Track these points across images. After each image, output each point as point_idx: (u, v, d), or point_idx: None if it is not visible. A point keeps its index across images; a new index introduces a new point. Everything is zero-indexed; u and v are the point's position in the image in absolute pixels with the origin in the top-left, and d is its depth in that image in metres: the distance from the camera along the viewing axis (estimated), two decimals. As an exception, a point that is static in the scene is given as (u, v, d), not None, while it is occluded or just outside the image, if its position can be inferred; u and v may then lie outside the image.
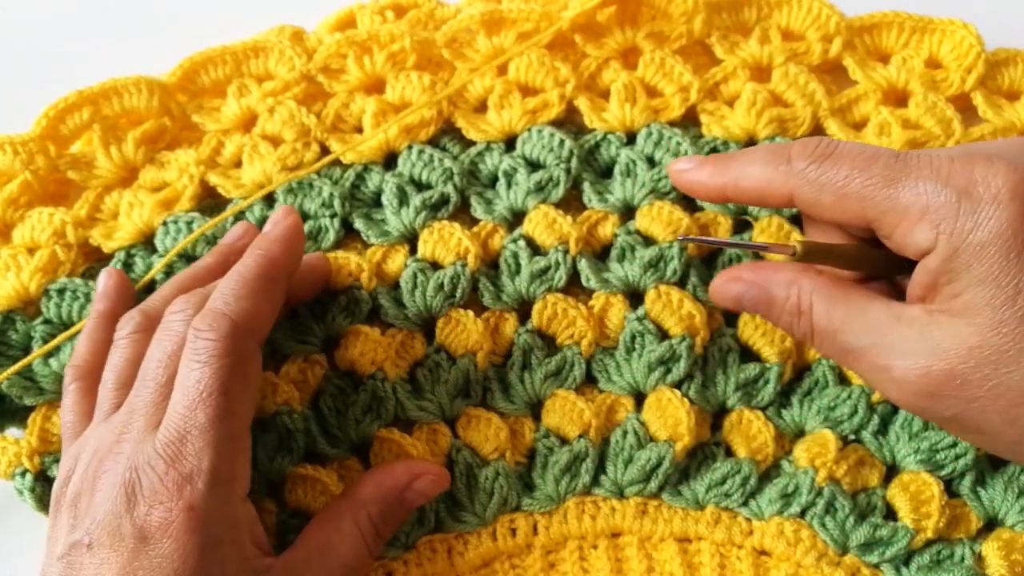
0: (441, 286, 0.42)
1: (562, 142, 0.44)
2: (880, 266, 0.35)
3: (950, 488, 0.39)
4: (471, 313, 0.42)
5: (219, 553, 0.32)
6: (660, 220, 0.43)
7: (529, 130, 0.45)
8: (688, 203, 0.45)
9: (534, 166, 0.45)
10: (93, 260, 0.45)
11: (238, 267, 0.37)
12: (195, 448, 0.33)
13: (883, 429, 0.40)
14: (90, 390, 0.38)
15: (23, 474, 0.41)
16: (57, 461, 0.41)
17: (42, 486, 0.41)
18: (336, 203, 0.44)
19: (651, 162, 0.45)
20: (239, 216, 0.45)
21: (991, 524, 0.39)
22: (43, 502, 0.41)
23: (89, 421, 0.37)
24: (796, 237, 0.40)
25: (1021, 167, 0.30)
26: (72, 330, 0.42)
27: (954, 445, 0.39)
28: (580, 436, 0.40)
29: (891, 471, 0.40)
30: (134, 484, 0.32)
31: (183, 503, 0.32)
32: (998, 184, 0.30)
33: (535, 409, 0.42)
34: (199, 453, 0.32)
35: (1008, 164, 0.30)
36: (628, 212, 0.44)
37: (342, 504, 0.37)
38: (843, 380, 0.41)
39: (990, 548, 0.38)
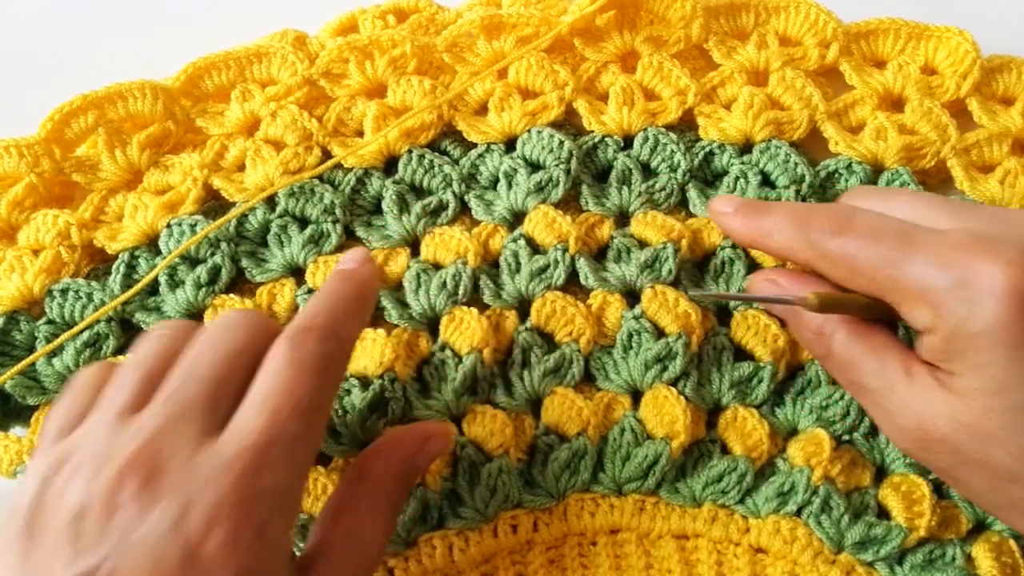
0: (444, 284, 0.43)
1: (561, 143, 0.45)
2: (895, 317, 0.36)
3: (940, 491, 0.40)
4: (474, 310, 0.42)
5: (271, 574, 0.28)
6: (654, 226, 0.44)
7: (529, 131, 0.46)
8: (681, 208, 0.45)
9: (534, 167, 0.45)
10: (98, 261, 0.46)
11: (335, 287, 0.35)
12: (276, 461, 0.29)
13: (873, 431, 0.41)
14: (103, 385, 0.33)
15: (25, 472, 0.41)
16: None
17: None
18: (338, 210, 0.45)
19: (647, 169, 0.46)
20: (242, 219, 0.45)
21: (979, 527, 0.40)
22: None
23: (79, 422, 0.31)
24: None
25: (1021, 256, 0.31)
26: (75, 329, 0.43)
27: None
28: (579, 434, 0.40)
29: (880, 472, 0.40)
30: (186, 502, 0.27)
31: (253, 523, 0.27)
32: (996, 280, 0.30)
33: (535, 407, 0.42)
34: (279, 467, 0.29)
35: (1011, 261, 0.31)
36: (623, 217, 0.45)
37: (356, 489, 0.34)
38: (835, 381, 0.41)
39: (980, 550, 0.38)
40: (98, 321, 0.44)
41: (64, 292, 0.44)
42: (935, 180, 0.46)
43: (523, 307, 0.44)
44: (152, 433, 0.29)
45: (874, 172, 0.45)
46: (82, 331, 0.43)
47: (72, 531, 0.27)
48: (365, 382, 0.41)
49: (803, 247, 0.36)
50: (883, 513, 0.39)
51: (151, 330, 0.35)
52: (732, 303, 0.42)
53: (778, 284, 0.38)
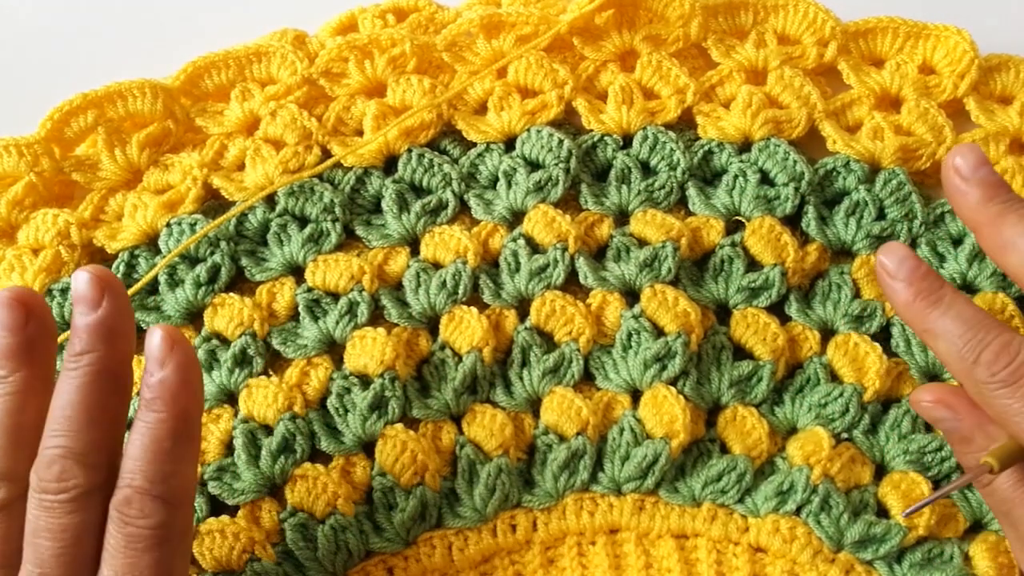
0: (444, 283, 0.43)
1: (561, 142, 0.45)
2: None
3: (938, 489, 0.40)
4: (474, 310, 0.43)
5: None
6: (653, 224, 0.44)
7: (528, 130, 0.46)
8: (681, 207, 0.45)
9: (533, 166, 0.46)
10: (98, 260, 0.46)
11: (147, 428, 0.32)
12: None
13: (873, 429, 0.41)
14: None
15: None
16: None
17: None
18: (337, 209, 0.45)
19: (646, 168, 0.46)
20: (241, 218, 0.45)
21: (977, 526, 0.40)
22: None
23: None
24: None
25: None
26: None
27: (940, 448, 0.40)
28: (578, 434, 0.40)
29: (880, 470, 0.41)
30: None
31: None
32: None
33: (534, 406, 0.42)
34: None
35: None
36: (623, 216, 0.45)
37: None
38: (835, 378, 0.41)
39: (978, 549, 0.39)
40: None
41: (64, 292, 0.44)
42: (933, 180, 0.46)
43: (523, 307, 0.44)
44: None
45: (872, 171, 0.45)
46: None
47: None
48: (365, 381, 0.41)
49: (964, 378, 0.34)
50: (882, 511, 0.40)
51: None
52: None
53: (954, 410, 0.35)
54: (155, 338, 0.32)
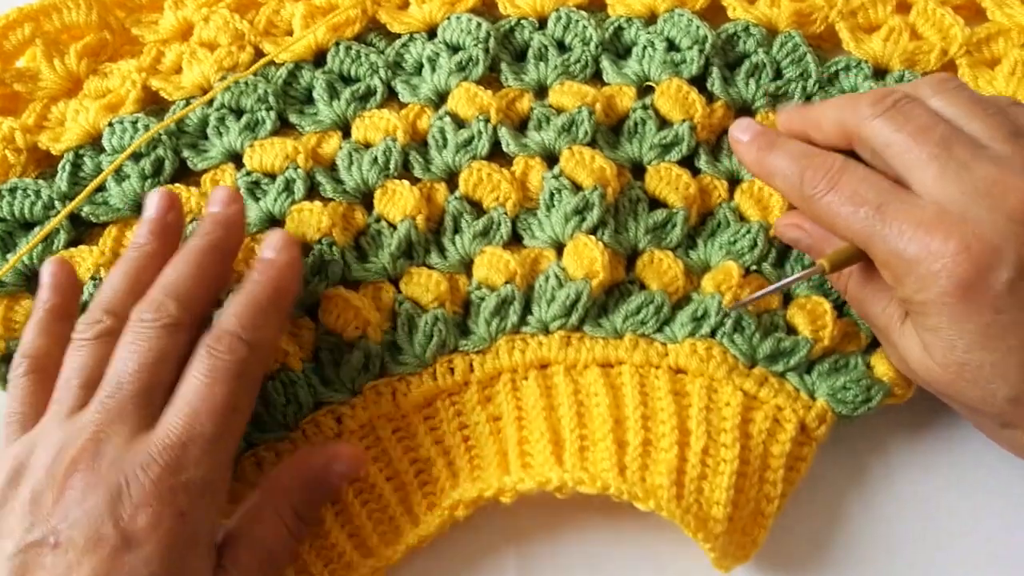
0: (375, 159, 0.46)
1: (479, 24, 0.48)
2: None
3: (840, 310, 0.43)
4: (406, 182, 0.45)
5: (195, 559, 0.34)
6: (570, 93, 0.47)
7: (448, 18, 0.49)
8: (597, 81, 0.48)
9: (455, 49, 0.48)
10: (44, 163, 0.48)
11: (251, 289, 0.38)
12: (194, 457, 0.34)
13: (779, 262, 0.44)
14: (43, 384, 0.38)
15: None
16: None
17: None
18: (271, 99, 0.47)
19: (562, 47, 0.49)
20: (183, 120, 0.47)
21: (876, 343, 0.43)
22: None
23: (39, 416, 0.37)
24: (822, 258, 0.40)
25: (975, 243, 0.34)
26: (37, 239, 0.44)
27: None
28: (507, 282, 0.43)
29: (787, 298, 0.44)
30: (120, 486, 0.33)
31: (174, 508, 0.33)
32: (940, 262, 0.34)
33: (468, 268, 0.45)
34: (198, 462, 0.34)
35: (960, 242, 0.34)
36: (541, 91, 0.48)
37: (264, 495, 0.38)
38: (743, 220, 0.45)
39: (878, 359, 0.42)
40: (48, 219, 0.46)
41: (12, 191, 0.46)
42: (829, 44, 0.50)
43: (452, 180, 0.46)
44: (94, 430, 0.35)
45: (770, 35, 0.48)
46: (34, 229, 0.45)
47: (32, 508, 0.33)
48: (305, 248, 0.44)
49: (797, 198, 0.40)
50: (791, 332, 0.43)
51: (85, 328, 0.38)
52: None
53: (802, 228, 0.41)
54: (278, 234, 0.41)
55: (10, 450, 0.36)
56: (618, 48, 0.49)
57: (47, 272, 0.41)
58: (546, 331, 0.43)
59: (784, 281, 0.40)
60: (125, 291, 0.39)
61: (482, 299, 0.43)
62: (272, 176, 0.46)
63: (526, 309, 0.43)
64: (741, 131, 0.43)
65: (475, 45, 0.48)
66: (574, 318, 0.42)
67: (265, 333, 0.38)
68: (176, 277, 0.38)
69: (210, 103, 0.48)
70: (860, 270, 0.39)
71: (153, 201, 0.42)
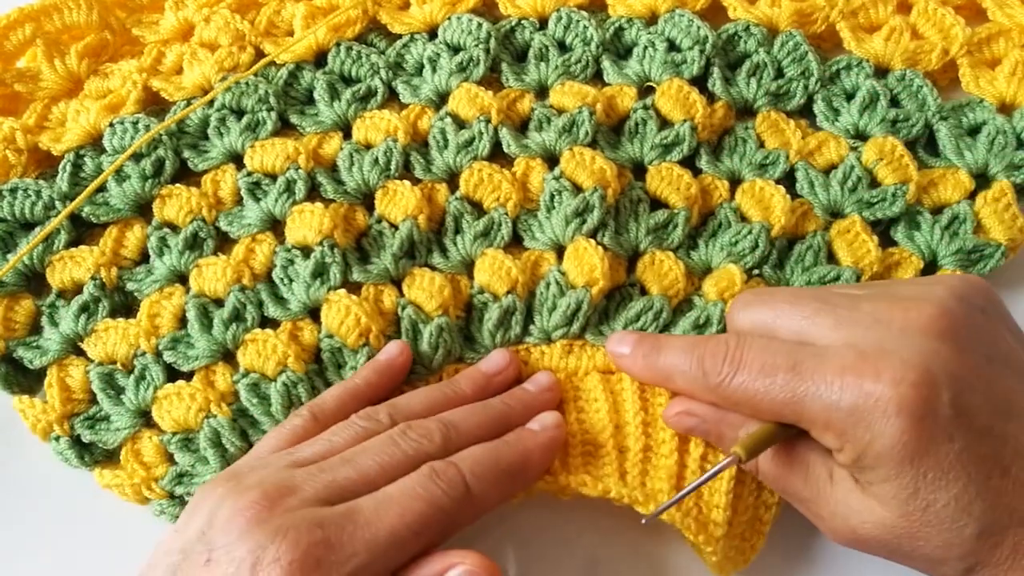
0: (376, 160, 0.46)
1: (480, 25, 0.48)
2: None
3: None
4: (407, 182, 0.45)
5: None
6: (571, 93, 0.47)
7: (449, 18, 0.49)
8: (598, 81, 0.48)
9: (455, 50, 0.48)
10: (44, 163, 0.48)
11: (501, 447, 0.38)
12: (353, 546, 0.33)
13: (780, 264, 0.44)
14: (309, 431, 0.39)
15: (56, 439, 0.43)
16: (85, 419, 0.43)
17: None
18: (272, 99, 0.47)
19: (562, 47, 0.49)
20: (184, 120, 0.47)
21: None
22: (82, 459, 0.43)
23: (287, 447, 0.38)
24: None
25: (909, 372, 0.32)
26: (37, 239, 0.45)
27: (839, 277, 0.43)
28: (508, 292, 0.43)
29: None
30: (277, 535, 0.32)
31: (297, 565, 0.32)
32: (885, 400, 0.32)
33: (469, 268, 0.45)
34: (353, 552, 0.33)
35: (895, 379, 0.32)
36: (542, 91, 0.48)
37: None
38: (744, 220, 0.45)
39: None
40: (48, 219, 0.46)
41: (13, 191, 0.46)
42: (829, 43, 0.50)
43: (453, 181, 0.46)
44: (297, 482, 0.35)
45: (771, 35, 0.48)
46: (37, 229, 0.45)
47: (211, 518, 0.34)
48: (307, 252, 0.44)
49: (704, 391, 0.37)
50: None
51: (368, 418, 0.39)
52: None
53: (694, 415, 0.38)
54: (552, 416, 0.40)
55: (254, 451, 0.40)
56: (619, 48, 0.49)
57: (386, 353, 0.42)
58: (548, 340, 0.43)
59: (701, 480, 0.36)
60: (338, 404, 0.40)
61: (484, 304, 0.43)
62: (273, 177, 0.46)
63: (528, 318, 0.43)
64: (619, 344, 0.40)
65: (476, 45, 0.48)
66: (575, 326, 0.42)
67: (490, 493, 0.36)
68: (459, 418, 0.39)
69: (211, 103, 0.48)
70: (775, 452, 0.36)
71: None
